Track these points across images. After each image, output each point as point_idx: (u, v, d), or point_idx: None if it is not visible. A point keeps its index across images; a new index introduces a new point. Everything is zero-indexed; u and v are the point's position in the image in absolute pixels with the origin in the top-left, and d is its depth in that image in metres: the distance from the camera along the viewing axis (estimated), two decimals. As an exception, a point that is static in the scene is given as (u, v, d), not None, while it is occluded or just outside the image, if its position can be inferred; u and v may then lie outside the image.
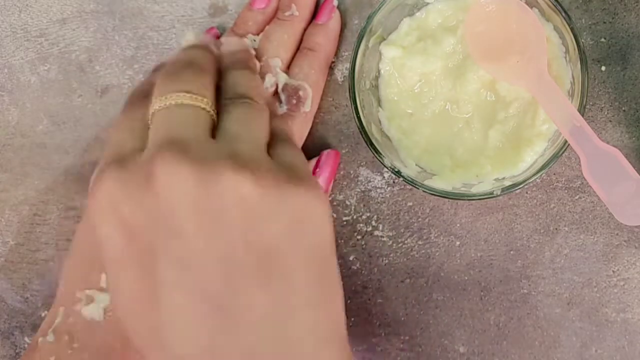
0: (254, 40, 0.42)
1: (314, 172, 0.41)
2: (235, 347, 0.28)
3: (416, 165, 0.41)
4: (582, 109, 0.37)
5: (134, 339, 0.30)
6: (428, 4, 0.42)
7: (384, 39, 0.42)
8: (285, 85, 0.42)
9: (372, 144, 0.39)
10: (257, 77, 0.38)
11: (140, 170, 0.29)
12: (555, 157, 0.38)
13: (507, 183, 0.39)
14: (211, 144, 0.29)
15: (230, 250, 0.27)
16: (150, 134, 0.31)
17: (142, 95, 0.34)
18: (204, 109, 0.31)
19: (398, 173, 0.39)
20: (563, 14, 0.38)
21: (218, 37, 0.44)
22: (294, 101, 0.41)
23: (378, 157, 0.39)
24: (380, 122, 0.42)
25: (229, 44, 0.39)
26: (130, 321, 0.30)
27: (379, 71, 0.42)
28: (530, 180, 0.38)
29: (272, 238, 0.28)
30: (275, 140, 0.32)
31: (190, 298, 0.27)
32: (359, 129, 0.39)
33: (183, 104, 0.31)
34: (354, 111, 0.39)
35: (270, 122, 0.33)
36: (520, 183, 0.38)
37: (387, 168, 0.39)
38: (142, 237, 0.28)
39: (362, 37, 0.40)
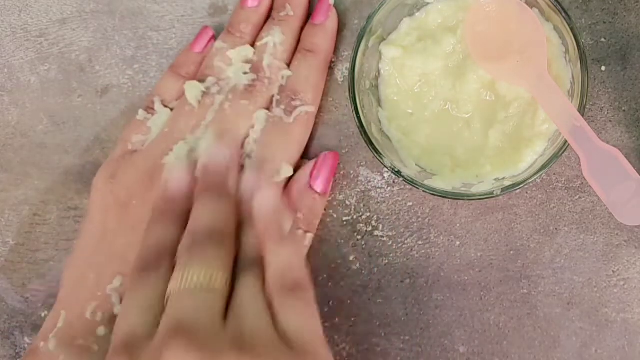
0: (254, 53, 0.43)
1: (311, 175, 0.41)
2: None
3: (416, 165, 0.41)
4: (582, 109, 0.37)
5: None
6: (428, 4, 0.42)
7: (384, 39, 0.42)
8: (283, 87, 0.42)
9: (372, 144, 0.39)
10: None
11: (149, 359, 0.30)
12: (555, 157, 0.38)
13: (507, 183, 0.39)
14: (219, 330, 0.30)
15: None
16: (163, 317, 0.31)
17: (151, 267, 0.34)
18: (221, 288, 0.32)
19: (398, 173, 0.39)
20: (563, 14, 0.38)
21: (214, 37, 0.44)
22: (293, 104, 0.41)
23: (378, 157, 0.39)
24: (380, 122, 0.42)
25: (249, 186, 0.39)
26: None
27: (379, 71, 0.42)
28: (530, 180, 0.38)
29: None
30: (288, 298, 0.33)
31: None
32: (359, 129, 0.39)
33: (200, 287, 0.32)
34: (354, 111, 0.39)
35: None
36: (520, 183, 0.38)
37: (387, 168, 0.39)
38: None
39: (362, 37, 0.40)
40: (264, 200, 0.36)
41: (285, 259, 0.34)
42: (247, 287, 0.33)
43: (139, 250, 0.36)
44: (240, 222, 0.37)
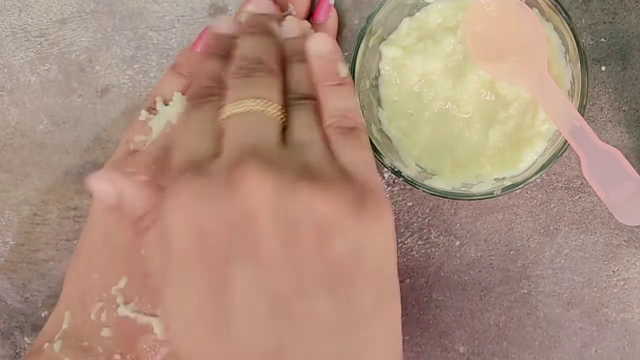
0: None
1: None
2: (300, 350, 0.28)
3: (416, 165, 0.41)
4: (582, 109, 0.37)
5: (193, 342, 0.29)
6: (428, 4, 0.42)
7: (384, 39, 0.42)
8: None
9: (372, 144, 0.39)
10: None
11: (220, 176, 0.29)
12: (555, 157, 0.38)
13: (507, 183, 0.39)
14: (286, 155, 0.30)
15: (302, 259, 0.28)
16: (225, 140, 0.31)
17: (204, 96, 0.34)
18: (276, 116, 0.32)
19: (398, 173, 0.39)
20: (563, 14, 0.38)
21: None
22: None
23: (378, 157, 0.39)
24: (380, 122, 0.42)
25: (291, 28, 0.39)
26: (194, 322, 0.29)
27: (379, 71, 0.42)
28: (530, 181, 0.38)
29: (340, 253, 0.29)
30: (333, 130, 0.33)
31: (262, 299, 0.28)
32: (359, 129, 0.39)
33: (257, 111, 0.32)
34: None
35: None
36: (520, 183, 0.38)
37: (387, 168, 0.39)
38: (217, 240, 0.28)
39: (362, 37, 0.40)
40: (320, 39, 0.36)
41: (343, 101, 0.34)
42: (303, 119, 0.33)
43: (191, 85, 0.35)
44: (286, 59, 0.36)
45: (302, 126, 0.32)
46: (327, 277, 0.29)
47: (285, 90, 0.34)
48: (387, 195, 0.43)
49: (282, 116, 0.32)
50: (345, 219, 0.29)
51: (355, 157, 0.32)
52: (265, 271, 0.28)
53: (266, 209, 0.28)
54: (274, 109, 0.32)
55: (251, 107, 0.31)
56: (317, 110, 0.33)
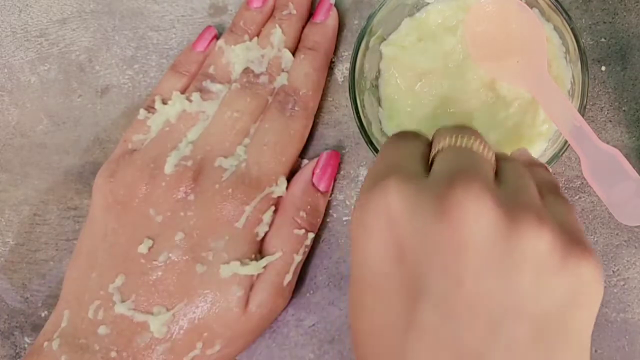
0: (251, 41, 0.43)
1: (313, 173, 0.42)
2: None
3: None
4: (582, 109, 0.37)
5: None
6: (428, 4, 0.42)
7: (384, 39, 0.42)
8: (283, 85, 0.42)
9: (372, 144, 0.39)
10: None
11: (432, 191, 0.26)
12: (555, 157, 0.38)
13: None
14: (504, 192, 0.27)
15: (509, 306, 0.25)
16: (438, 164, 0.28)
17: (412, 134, 0.32)
18: (490, 158, 0.29)
19: None
20: (563, 14, 0.38)
21: (216, 37, 0.44)
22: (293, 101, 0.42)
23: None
24: (380, 121, 0.42)
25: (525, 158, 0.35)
26: (368, 351, 0.26)
27: (379, 71, 0.42)
28: (530, 180, 0.38)
29: (551, 301, 0.25)
30: (545, 191, 0.30)
31: (444, 352, 0.24)
32: (359, 128, 0.39)
33: (474, 148, 0.28)
34: (354, 111, 0.39)
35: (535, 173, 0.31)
36: (520, 183, 0.38)
37: (387, 168, 0.39)
38: (414, 263, 0.25)
39: (363, 37, 0.40)
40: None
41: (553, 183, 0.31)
42: (516, 169, 0.29)
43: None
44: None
45: (516, 174, 0.29)
46: (534, 329, 0.25)
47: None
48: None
49: (494, 165, 0.29)
50: (564, 261, 0.26)
51: (568, 218, 0.28)
52: (457, 318, 0.24)
53: (480, 237, 0.24)
54: (489, 152, 0.29)
55: (469, 144, 0.29)
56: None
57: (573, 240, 0.27)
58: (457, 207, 0.25)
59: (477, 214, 0.25)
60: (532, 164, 0.32)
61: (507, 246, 0.25)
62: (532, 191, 0.28)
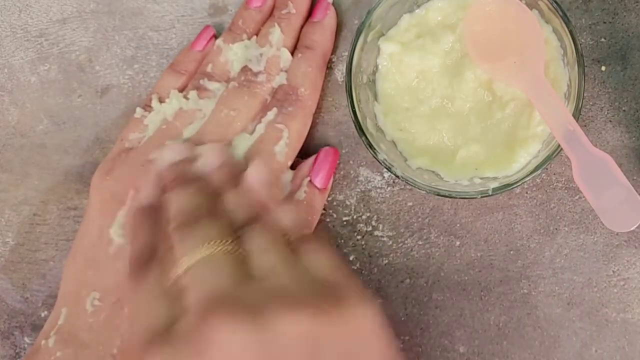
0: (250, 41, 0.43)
1: (311, 170, 0.41)
2: None
3: (411, 161, 0.41)
4: (577, 113, 0.38)
5: None
6: (428, 0, 0.42)
7: (383, 34, 0.42)
8: (282, 84, 0.42)
9: (366, 138, 0.39)
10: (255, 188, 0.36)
11: (189, 341, 0.27)
12: (548, 159, 0.38)
13: (499, 183, 0.39)
14: (254, 289, 0.29)
15: None
16: (187, 297, 0.29)
17: (145, 260, 0.33)
18: (233, 250, 0.31)
19: (390, 168, 0.39)
20: (562, 16, 0.38)
21: (215, 36, 0.44)
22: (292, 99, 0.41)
23: (372, 153, 0.39)
24: (375, 116, 0.42)
25: (210, 161, 0.38)
26: None
27: (376, 66, 0.42)
28: (522, 182, 0.38)
29: None
30: (302, 245, 0.32)
31: None
32: (353, 122, 0.39)
33: (211, 255, 0.30)
34: (349, 104, 0.39)
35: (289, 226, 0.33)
36: (513, 183, 0.38)
37: (380, 163, 0.39)
38: None
39: (361, 31, 0.40)
40: (255, 167, 0.36)
41: (290, 215, 0.33)
42: (256, 245, 0.31)
43: (129, 256, 0.34)
44: (219, 194, 0.35)
45: (260, 252, 0.31)
46: None
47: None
48: (387, 195, 0.43)
49: (239, 249, 0.31)
50: (328, 328, 0.28)
51: (320, 261, 0.31)
52: None
53: (247, 354, 0.26)
54: (227, 246, 0.31)
55: (203, 253, 0.30)
56: (268, 227, 0.32)
57: (334, 301, 0.29)
58: (214, 345, 0.26)
59: (232, 340, 0.26)
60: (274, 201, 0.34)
61: (270, 342, 0.27)
62: (277, 271, 0.30)
